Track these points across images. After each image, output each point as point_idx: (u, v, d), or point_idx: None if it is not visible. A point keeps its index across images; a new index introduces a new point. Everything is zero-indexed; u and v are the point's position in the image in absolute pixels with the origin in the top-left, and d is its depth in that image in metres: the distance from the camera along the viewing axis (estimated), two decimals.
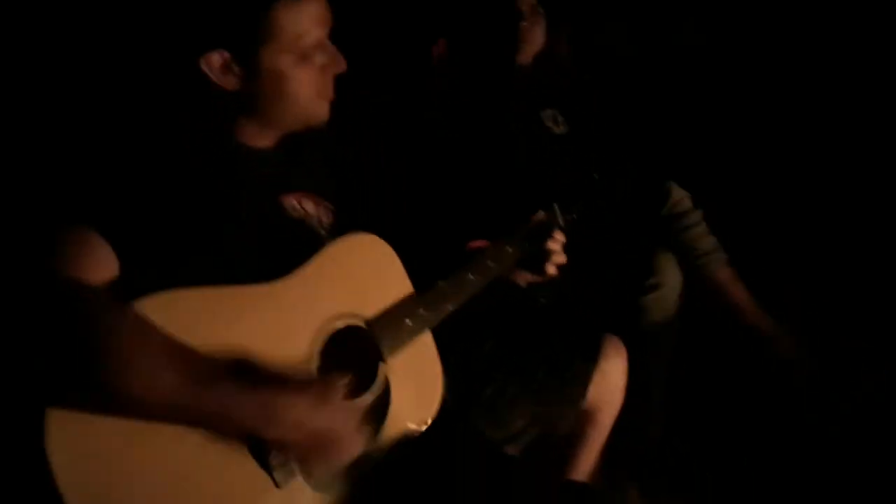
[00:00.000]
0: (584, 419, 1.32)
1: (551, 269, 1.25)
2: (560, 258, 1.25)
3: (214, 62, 0.96)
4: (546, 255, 1.24)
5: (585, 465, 1.36)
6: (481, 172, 1.63)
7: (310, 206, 1.13)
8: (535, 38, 1.63)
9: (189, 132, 1.00)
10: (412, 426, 1.06)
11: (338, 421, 0.86)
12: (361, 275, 1.04)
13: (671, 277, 1.62)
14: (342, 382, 0.93)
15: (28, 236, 0.84)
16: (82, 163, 0.93)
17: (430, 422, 1.08)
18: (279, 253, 1.01)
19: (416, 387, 1.08)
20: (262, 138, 1.07)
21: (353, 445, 0.89)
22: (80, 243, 0.83)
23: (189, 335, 0.83)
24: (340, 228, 1.17)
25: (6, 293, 0.78)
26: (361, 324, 1.02)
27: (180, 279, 0.87)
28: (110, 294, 0.81)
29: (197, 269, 0.90)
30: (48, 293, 0.78)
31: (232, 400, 0.80)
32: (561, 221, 1.36)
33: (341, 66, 1.03)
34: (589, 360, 1.30)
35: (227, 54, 0.96)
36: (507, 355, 1.30)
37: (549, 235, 1.25)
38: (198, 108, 1.01)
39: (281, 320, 0.93)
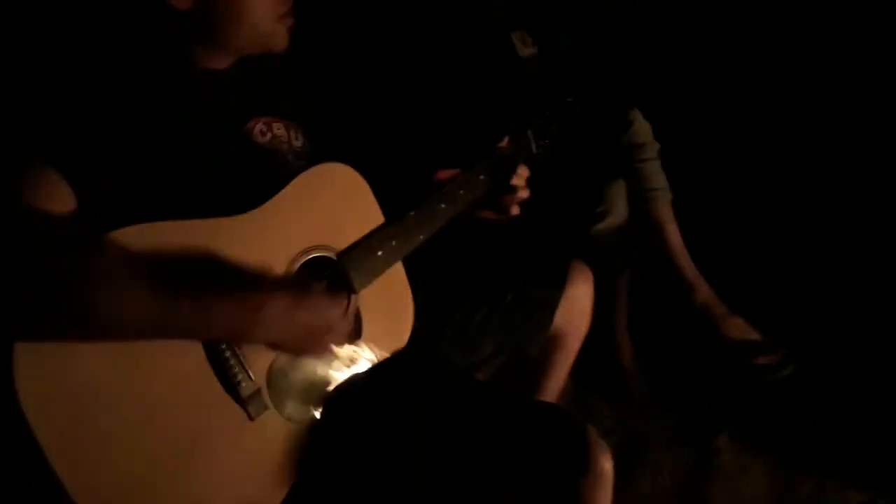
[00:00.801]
0: (551, 343, 1.35)
1: (514, 209, 1.24)
2: (524, 193, 1.24)
3: None
4: (510, 191, 1.23)
5: (554, 387, 1.40)
6: (449, 94, 1.59)
7: (279, 130, 1.10)
8: None
9: (143, 54, 0.95)
10: (384, 354, 1.07)
11: (321, 309, 0.89)
12: (332, 206, 1.03)
13: (618, 206, 1.67)
14: (319, 285, 0.94)
15: None
16: (30, 92, 0.88)
17: (401, 348, 1.10)
18: (247, 179, 0.99)
19: (386, 317, 1.09)
20: (221, 61, 1.03)
21: (340, 331, 0.92)
22: (35, 176, 0.80)
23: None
24: (312, 152, 1.15)
25: None
26: (332, 255, 1.02)
27: (145, 212, 0.85)
28: (74, 224, 0.79)
29: (162, 201, 0.88)
30: (8, 225, 0.75)
31: (210, 304, 0.80)
32: (534, 147, 1.35)
33: None
34: (556, 285, 1.31)
35: None
36: (475, 281, 1.31)
37: (513, 170, 1.24)
38: (151, 28, 0.96)
39: (252, 253, 0.91)
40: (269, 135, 1.08)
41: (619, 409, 1.73)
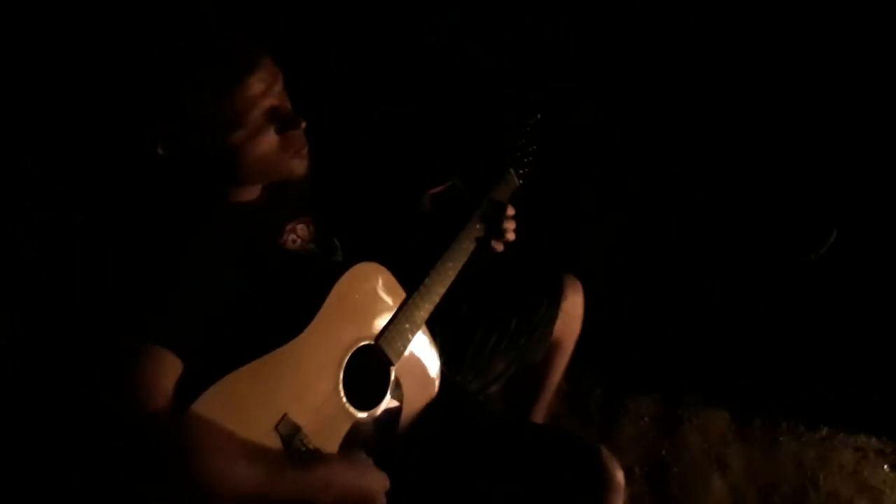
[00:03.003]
0: (551, 348, 1.56)
1: (499, 247, 1.41)
2: (511, 236, 1.40)
3: (173, 149, 1.02)
4: (501, 233, 1.39)
5: (555, 381, 1.63)
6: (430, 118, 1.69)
7: (303, 231, 1.25)
8: None
9: (183, 215, 1.07)
10: (424, 404, 1.27)
11: (369, 477, 1.08)
12: (365, 302, 1.20)
13: None
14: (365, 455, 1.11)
15: (98, 367, 0.93)
16: (117, 283, 0.99)
17: (435, 395, 1.30)
18: (295, 287, 1.15)
19: (420, 373, 1.29)
20: (249, 193, 1.15)
21: (381, 492, 1.09)
22: (148, 359, 0.94)
23: (246, 412, 1.00)
24: (324, 236, 1.29)
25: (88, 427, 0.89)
26: (371, 342, 1.18)
27: (225, 352, 1.00)
28: (176, 403, 0.93)
29: (233, 335, 1.03)
30: (125, 427, 0.89)
31: (299, 480, 0.98)
32: (518, 181, 1.49)
33: (297, 123, 1.06)
34: (553, 304, 1.50)
35: (178, 141, 1.01)
36: (481, 314, 1.48)
37: (503, 213, 1.39)
38: (180, 187, 1.06)
39: (309, 368, 1.10)
40: (298, 241, 1.21)
41: (613, 392, 1.98)
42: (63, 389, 0.94)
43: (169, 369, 0.94)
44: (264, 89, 1.01)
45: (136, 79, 0.99)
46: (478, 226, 1.38)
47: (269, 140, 1.04)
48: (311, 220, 1.27)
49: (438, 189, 1.59)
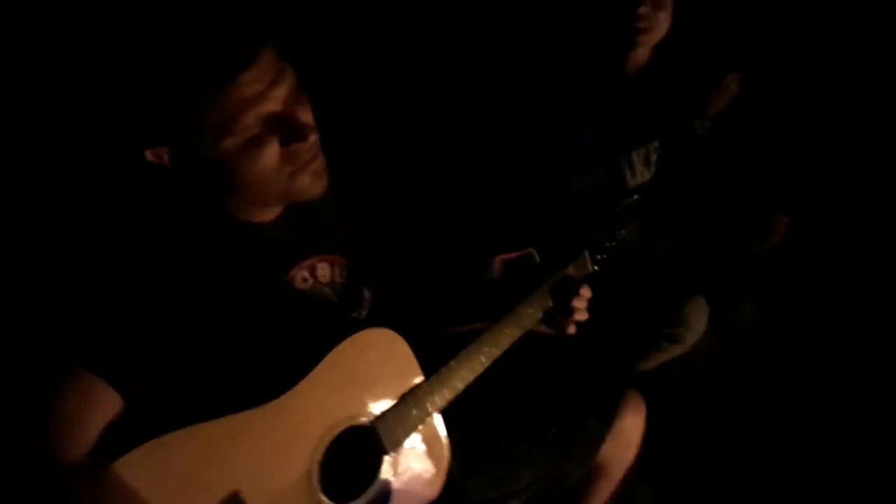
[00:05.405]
0: (594, 471, 1.31)
1: (571, 328, 1.18)
2: (583, 316, 1.18)
3: (162, 156, 0.90)
4: (569, 312, 1.17)
5: None
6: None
7: (323, 270, 1.07)
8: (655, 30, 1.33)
9: (179, 229, 0.94)
10: None
11: None
12: (368, 373, 1.01)
13: (695, 328, 1.49)
14: None
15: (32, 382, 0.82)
16: (80, 303, 0.88)
17: (433, 499, 1.08)
18: (287, 330, 0.98)
19: (420, 469, 1.08)
20: (265, 214, 1.00)
21: None
22: (82, 391, 0.82)
23: (188, 479, 0.83)
24: (353, 284, 1.12)
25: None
26: (366, 422, 0.99)
27: (189, 399, 0.85)
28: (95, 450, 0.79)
29: (204, 380, 0.88)
30: (31, 457, 0.76)
31: None
32: (591, 267, 1.27)
33: (304, 135, 0.90)
34: (604, 421, 1.25)
35: (167, 148, 0.89)
36: (516, 412, 1.26)
37: (575, 292, 1.17)
38: (180, 199, 0.94)
39: (281, 439, 0.92)
40: (310, 280, 1.05)
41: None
42: None
43: (100, 408, 0.81)
44: (261, 90, 0.85)
45: (123, 79, 0.88)
46: (530, 310, 1.16)
47: (270, 152, 0.88)
48: (343, 261, 1.11)
49: (511, 255, 1.39)
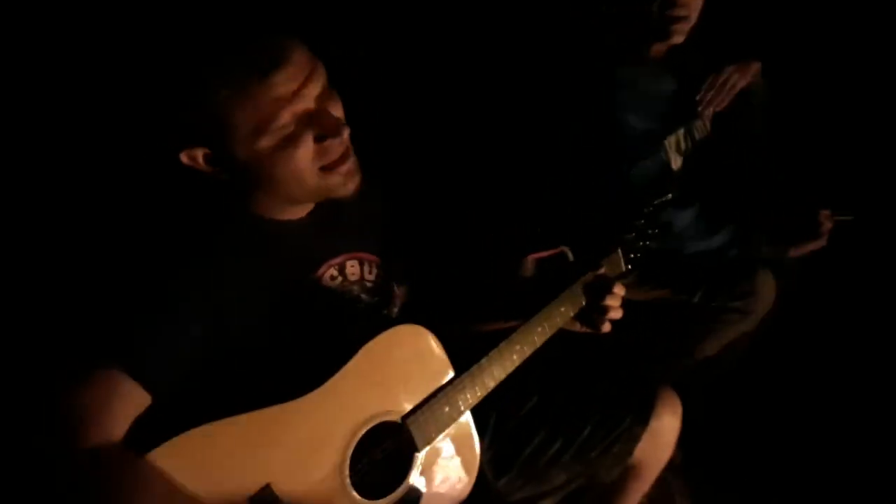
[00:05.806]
0: (627, 472, 1.28)
1: (606, 326, 1.16)
2: (617, 314, 1.16)
3: (197, 158, 0.90)
4: (603, 310, 1.15)
5: None
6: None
7: (353, 268, 1.07)
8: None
9: (207, 227, 0.95)
10: None
11: None
12: (400, 370, 1.01)
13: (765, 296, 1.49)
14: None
15: (57, 376, 0.82)
16: (110, 300, 0.89)
17: (463, 498, 1.08)
18: (315, 328, 0.98)
19: (451, 467, 1.07)
20: (295, 211, 1.01)
21: None
22: (108, 383, 0.82)
23: (220, 472, 0.83)
24: (384, 282, 1.12)
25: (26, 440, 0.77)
26: (397, 419, 0.99)
27: (220, 394, 0.86)
28: (124, 443, 0.80)
29: (234, 375, 0.89)
30: (62, 452, 0.77)
31: None
32: (624, 266, 1.25)
33: (338, 131, 0.90)
34: (640, 421, 1.23)
35: (203, 150, 0.90)
36: (550, 411, 1.24)
37: (609, 290, 1.15)
38: (208, 197, 0.95)
39: (313, 434, 0.92)
40: (339, 278, 1.05)
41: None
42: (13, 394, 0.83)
43: (125, 402, 0.81)
44: (295, 88, 0.86)
45: (152, 81, 0.89)
46: (562, 308, 1.15)
47: (305, 150, 0.89)
48: (374, 259, 1.11)
49: (544, 254, 1.37)
